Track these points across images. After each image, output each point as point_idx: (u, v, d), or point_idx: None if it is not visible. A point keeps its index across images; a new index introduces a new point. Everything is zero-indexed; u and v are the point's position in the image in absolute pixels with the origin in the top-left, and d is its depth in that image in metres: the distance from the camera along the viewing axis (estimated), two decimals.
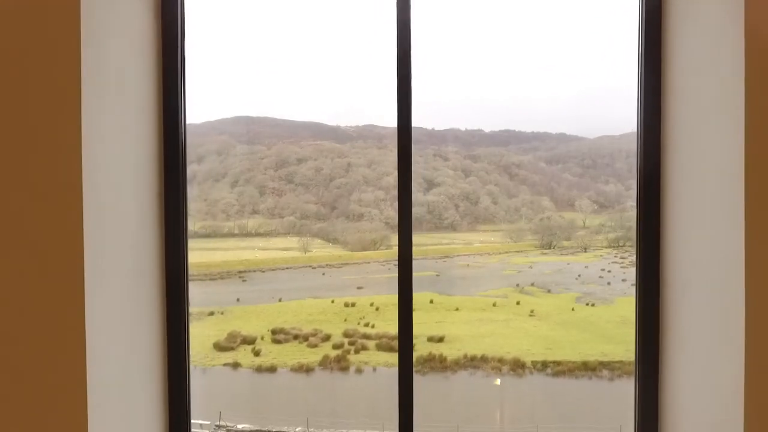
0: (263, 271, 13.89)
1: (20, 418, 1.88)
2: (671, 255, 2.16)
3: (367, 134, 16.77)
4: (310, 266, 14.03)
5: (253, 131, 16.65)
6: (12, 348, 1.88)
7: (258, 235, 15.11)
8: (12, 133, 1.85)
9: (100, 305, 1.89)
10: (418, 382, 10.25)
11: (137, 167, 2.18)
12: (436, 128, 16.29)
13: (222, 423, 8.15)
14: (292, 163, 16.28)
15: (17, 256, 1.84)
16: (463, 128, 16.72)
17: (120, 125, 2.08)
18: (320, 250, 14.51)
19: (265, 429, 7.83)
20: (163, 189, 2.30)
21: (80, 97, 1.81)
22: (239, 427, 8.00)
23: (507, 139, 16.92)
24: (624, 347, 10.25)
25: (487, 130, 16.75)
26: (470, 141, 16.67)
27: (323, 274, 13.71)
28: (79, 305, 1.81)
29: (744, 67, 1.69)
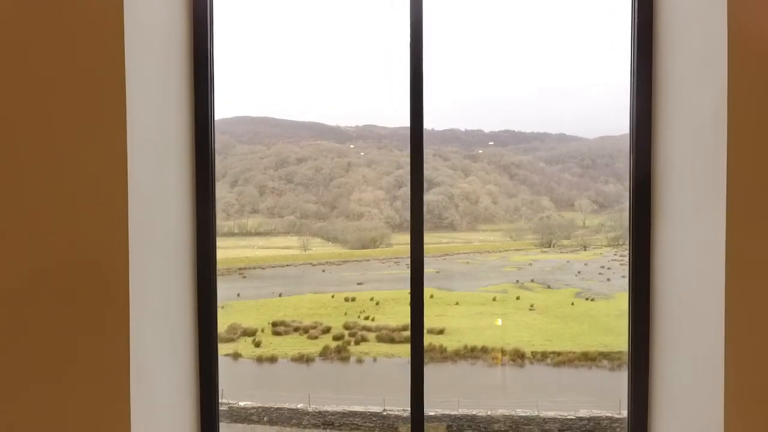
0: (263, 268, 13.95)
1: (69, 394, 1.99)
2: (661, 254, 2.29)
3: (366, 134, 16.86)
4: (310, 263, 14.08)
5: (253, 131, 16.74)
6: (68, 335, 1.99)
7: (258, 234, 15.17)
8: (66, 133, 1.95)
9: (142, 297, 2.02)
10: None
11: (174, 168, 2.33)
12: (436, 128, 16.40)
13: (223, 400, 8.22)
14: (292, 162, 16.36)
15: (68, 248, 1.94)
16: (463, 128, 16.83)
17: (158, 126, 2.21)
18: (320, 248, 14.57)
19: (267, 405, 7.87)
20: (195, 187, 2.45)
21: (125, 98, 1.92)
22: (241, 404, 8.06)
23: (507, 139, 17.02)
24: (623, 339, 10.31)
25: (486, 130, 16.86)
26: (470, 141, 16.76)
27: (323, 270, 13.77)
28: (124, 298, 1.93)
29: (726, 71, 1.79)
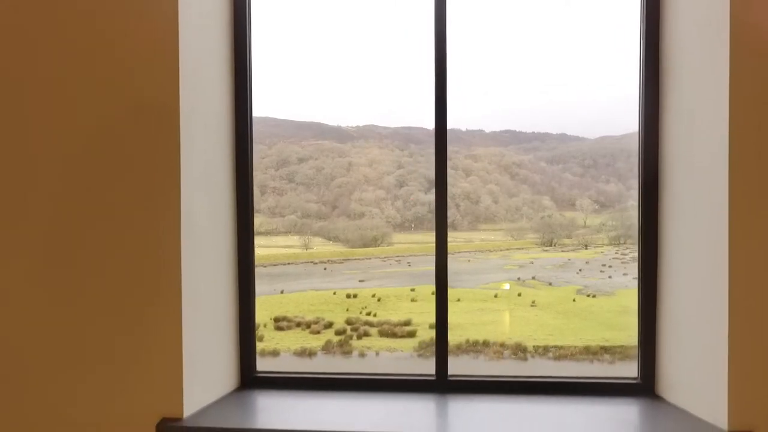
0: (264, 267, 13.93)
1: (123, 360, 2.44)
2: (668, 250, 2.35)
3: (367, 134, 16.83)
4: (311, 262, 14.05)
5: (255, 131, 16.73)
6: (128, 323, 2.22)
7: (259, 233, 15.13)
8: (127, 143, 2.18)
9: (193, 287, 2.21)
10: (422, 364, 10.33)
11: (218, 169, 2.51)
12: None
13: None
14: (293, 162, 16.33)
15: (131, 245, 2.16)
16: (463, 128, 16.80)
17: (206, 131, 2.39)
18: (321, 247, 14.53)
19: None
20: (235, 186, 2.66)
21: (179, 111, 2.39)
22: None
23: (507, 139, 17.00)
24: (626, 333, 10.31)
25: (487, 130, 16.83)
26: (470, 141, 16.73)
27: (324, 269, 13.74)
28: (176, 288, 2.34)
29: (729, 71, 1.86)
